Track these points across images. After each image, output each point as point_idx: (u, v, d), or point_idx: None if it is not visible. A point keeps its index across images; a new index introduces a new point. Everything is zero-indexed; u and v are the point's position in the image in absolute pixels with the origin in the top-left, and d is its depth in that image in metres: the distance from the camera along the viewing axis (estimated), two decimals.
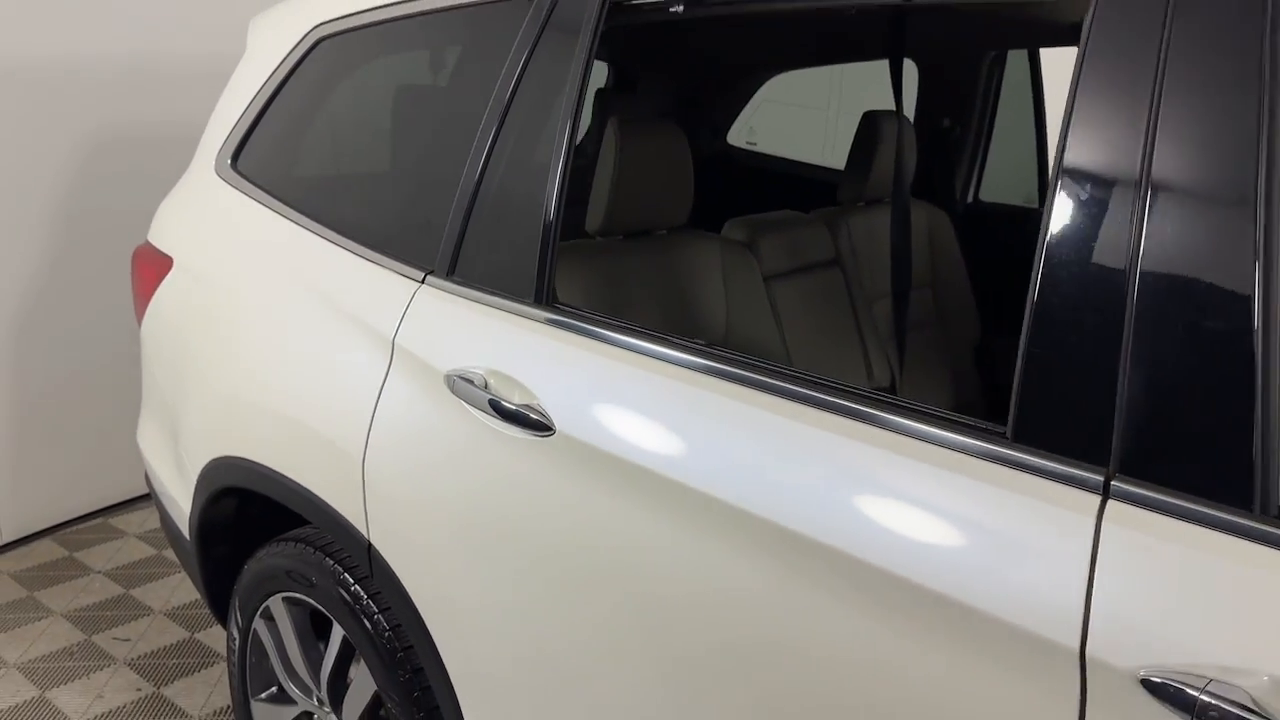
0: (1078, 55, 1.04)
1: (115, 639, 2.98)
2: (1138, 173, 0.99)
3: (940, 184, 2.79)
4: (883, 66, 2.96)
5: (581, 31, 1.51)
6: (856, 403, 1.16)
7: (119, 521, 3.70)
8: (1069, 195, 1.03)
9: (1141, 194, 0.98)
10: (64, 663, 2.85)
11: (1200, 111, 0.96)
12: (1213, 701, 0.87)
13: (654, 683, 1.32)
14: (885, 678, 1.08)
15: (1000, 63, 2.73)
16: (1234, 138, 0.93)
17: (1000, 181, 2.75)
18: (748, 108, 3.21)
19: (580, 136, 2.02)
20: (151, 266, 2.29)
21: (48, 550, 3.50)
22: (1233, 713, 0.86)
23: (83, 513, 3.69)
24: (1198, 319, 0.94)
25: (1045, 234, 1.03)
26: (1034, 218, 2.92)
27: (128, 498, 3.77)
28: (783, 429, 1.21)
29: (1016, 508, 1.01)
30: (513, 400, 1.47)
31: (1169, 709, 0.89)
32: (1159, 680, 0.90)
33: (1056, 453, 1.01)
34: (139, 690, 2.74)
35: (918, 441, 1.10)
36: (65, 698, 2.70)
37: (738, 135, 3.32)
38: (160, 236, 2.31)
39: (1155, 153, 0.98)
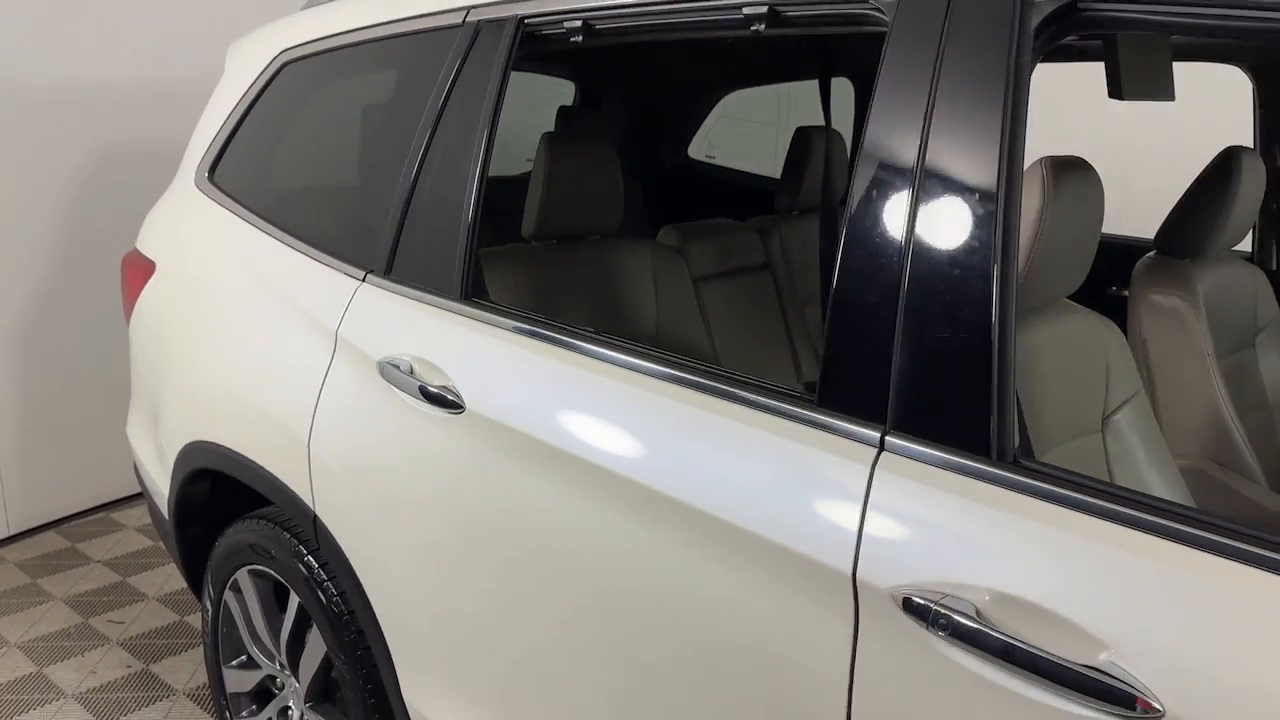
0: (873, 89, 1.25)
1: (110, 621, 3.20)
2: (911, 191, 1.18)
3: None
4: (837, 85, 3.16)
5: (496, 59, 1.73)
6: (708, 378, 1.36)
7: (120, 516, 3.93)
8: (859, 207, 1.22)
9: (912, 208, 1.18)
10: (61, 642, 3.07)
11: (957, 144, 1.15)
12: (945, 612, 1.06)
13: (552, 625, 1.52)
14: (709, 602, 1.28)
15: None
16: (980, 167, 1.13)
17: None
18: (706, 123, 3.42)
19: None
20: (138, 271, 2.51)
21: (51, 541, 3.72)
22: (961, 622, 1.05)
23: (85, 507, 3.92)
24: (952, 308, 1.13)
25: (841, 240, 1.23)
26: None
27: (128, 494, 4.00)
28: (645, 401, 1.41)
29: (814, 458, 1.21)
30: (433, 383, 1.67)
31: (915, 620, 1.08)
32: (909, 596, 1.09)
33: (849, 414, 1.21)
34: (129, 667, 2.95)
35: (747, 408, 1.30)
36: (60, 673, 2.92)
37: (698, 149, 3.53)
38: (146, 243, 2.54)
39: (924, 173, 1.18)
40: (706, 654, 1.30)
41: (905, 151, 1.20)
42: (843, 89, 3.13)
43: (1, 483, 3.67)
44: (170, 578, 3.47)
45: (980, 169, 1.14)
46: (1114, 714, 0.95)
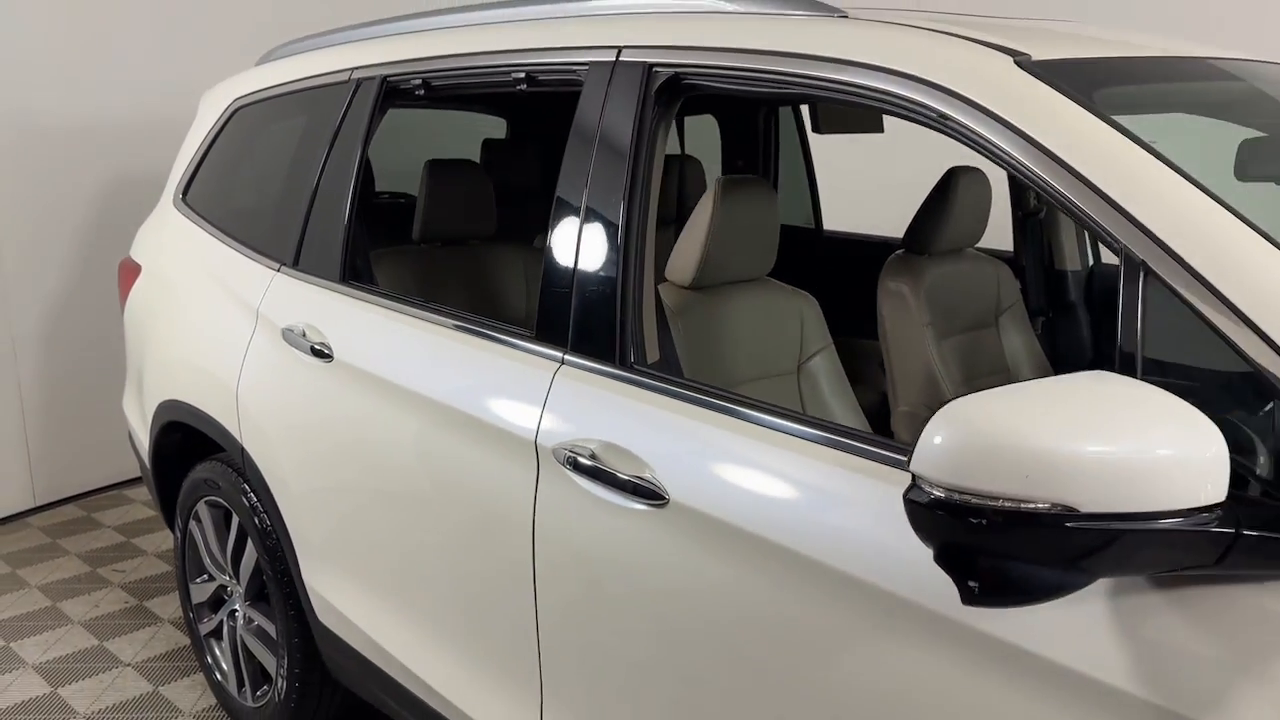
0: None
1: (114, 570, 3.88)
2: (582, 200, 1.82)
3: None
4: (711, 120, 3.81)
5: (368, 106, 2.39)
6: (485, 329, 2.00)
7: (131, 493, 4.63)
8: (555, 215, 1.87)
9: (582, 211, 1.82)
10: (73, 585, 3.76)
11: (606, 169, 1.80)
12: (575, 456, 1.68)
13: (399, 516, 2.14)
14: (464, 470, 1.92)
15: (773, 115, 3.57)
16: (615, 185, 1.77)
17: (785, 206, 3.56)
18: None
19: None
20: (129, 273, 3.21)
21: (70, 512, 4.43)
22: (584, 461, 1.67)
23: (101, 485, 4.62)
24: (598, 278, 1.77)
25: (550, 241, 1.87)
26: (810, 234, 3.73)
27: (139, 475, 4.70)
28: (446, 347, 2.05)
29: (525, 372, 1.85)
30: (316, 342, 2.33)
31: (563, 464, 1.71)
32: (565, 451, 1.72)
33: (547, 343, 1.84)
34: (126, 603, 3.63)
35: (503, 345, 1.94)
36: (70, 607, 3.60)
37: None
38: (136, 251, 3.24)
39: (591, 185, 1.82)
40: (461, 507, 1.94)
41: (581, 173, 1.84)
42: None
43: (30, 461, 4.39)
44: (167, 539, 4.14)
45: (615, 186, 1.77)
46: (646, 503, 1.57)
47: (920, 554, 1.16)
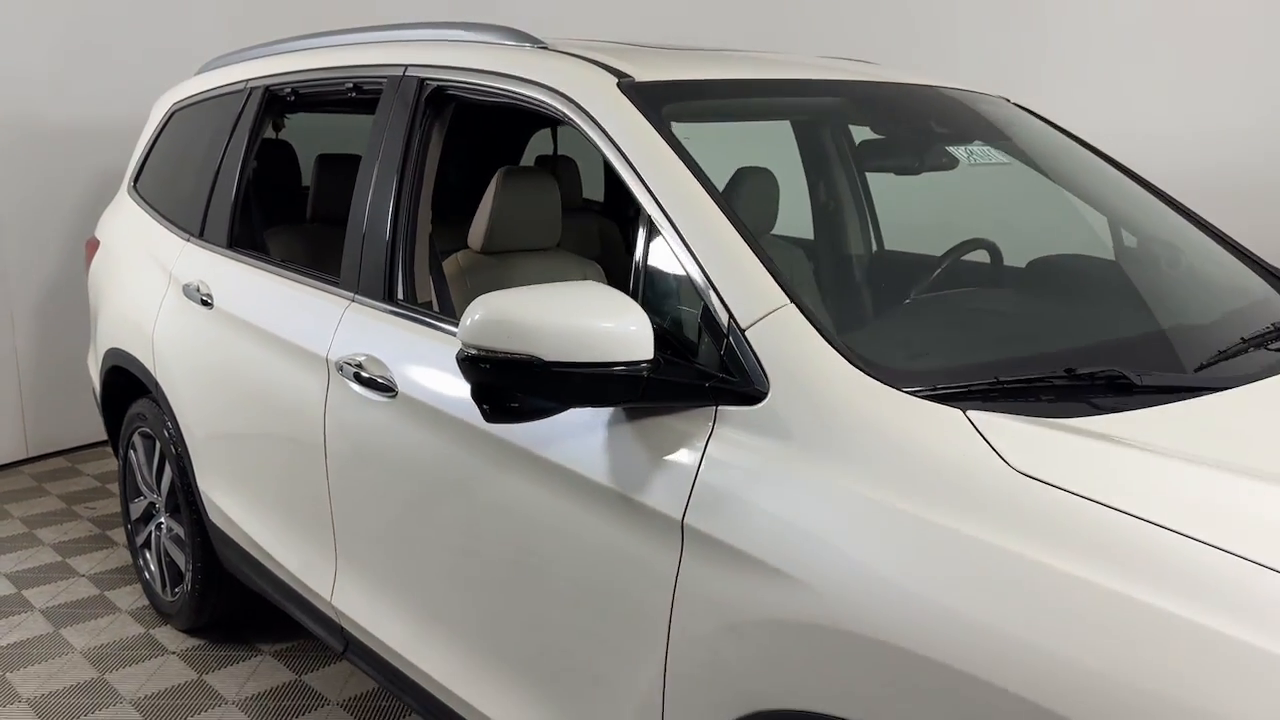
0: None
1: (86, 507, 4.58)
2: (372, 177, 2.46)
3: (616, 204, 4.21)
4: None
5: (254, 109, 3.05)
6: (319, 281, 2.63)
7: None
8: (360, 189, 2.50)
9: (376, 188, 2.45)
10: (49, 517, 4.46)
11: (391, 157, 2.43)
12: (350, 367, 2.31)
13: (262, 431, 2.78)
14: (284, 388, 2.56)
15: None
16: (391, 173, 2.40)
17: None
18: (526, 154, 4.69)
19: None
20: (92, 248, 3.90)
21: (58, 462, 5.14)
22: (354, 369, 2.30)
23: (86, 442, 5.32)
24: (384, 241, 2.40)
25: (365, 216, 2.50)
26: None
27: None
28: (293, 296, 2.69)
29: (325, 307, 2.48)
30: (205, 294, 2.99)
31: (347, 378, 2.34)
32: (344, 363, 2.35)
33: (345, 287, 2.48)
34: (91, 532, 4.32)
35: (323, 291, 2.57)
36: (44, 534, 4.29)
37: None
38: (98, 230, 3.93)
39: (378, 166, 2.45)
40: (284, 413, 2.58)
41: (374, 159, 2.48)
42: None
43: (24, 418, 5.11)
44: None
45: (394, 168, 2.40)
46: (385, 395, 2.20)
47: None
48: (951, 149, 2.42)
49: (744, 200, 3.23)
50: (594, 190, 4.35)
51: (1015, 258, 2.64)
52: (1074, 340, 1.91)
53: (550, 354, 1.60)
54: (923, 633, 1.31)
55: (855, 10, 5.27)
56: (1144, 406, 1.56)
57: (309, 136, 3.81)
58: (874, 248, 2.98)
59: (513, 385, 1.64)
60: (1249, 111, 4.51)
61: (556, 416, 1.74)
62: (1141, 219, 2.52)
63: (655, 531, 1.65)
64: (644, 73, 2.07)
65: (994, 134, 2.51)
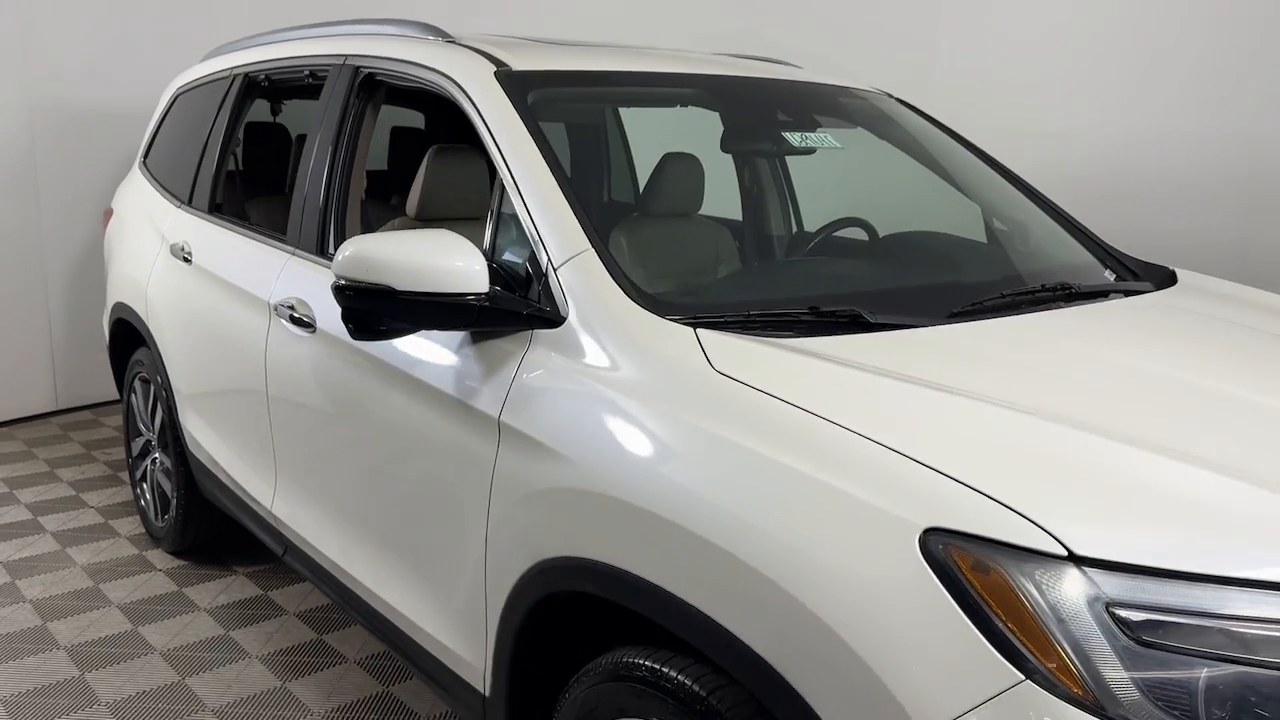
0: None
1: (104, 453, 5.12)
2: (313, 153, 2.91)
3: None
4: None
5: (236, 94, 3.53)
6: (276, 239, 3.09)
7: None
8: (302, 161, 2.96)
9: (304, 161, 2.91)
10: (69, 460, 5.00)
11: (329, 135, 2.88)
12: (285, 310, 2.77)
13: (224, 366, 3.25)
14: (244, 323, 3.02)
15: None
16: (337, 146, 2.86)
17: None
18: None
19: None
20: (109, 216, 4.42)
21: (84, 416, 5.70)
22: (288, 310, 2.75)
23: (112, 398, 5.86)
24: (316, 198, 2.85)
25: (299, 170, 2.96)
26: None
27: None
28: (244, 250, 3.15)
29: (273, 260, 2.94)
30: (187, 252, 3.47)
31: (283, 319, 2.80)
32: (282, 306, 2.80)
33: (290, 242, 2.93)
34: (104, 473, 4.85)
35: (271, 246, 3.03)
36: (63, 473, 4.84)
37: None
38: (114, 200, 4.45)
39: (319, 143, 2.90)
40: (236, 352, 3.04)
41: (316, 134, 2.93)
42: None
43: (55, 374, 5.66)
44: None
45: (330, 142, 2.85)
46: (307, 331, 2.65)
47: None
48: (788, 134, 2.82)
49: (667, 181, 3.65)
50: None
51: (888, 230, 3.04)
52: (858, 289, 2.31)
53: (402, 285, 2.03)
54: (646, 493, 1.71)
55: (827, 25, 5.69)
56: (869, 334, 1.96)
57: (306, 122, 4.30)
58: (758, 224, 3.40)
59: (372, 310, 2.08)
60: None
61: (424, 343, 2.18)
62: (994, 199, 2.90)
63: (482, 429, 2.08)
64: (520, 63, 2.50)
65: (873, 121, 2.94)
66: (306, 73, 3.16)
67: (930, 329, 2.02)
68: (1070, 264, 2.72)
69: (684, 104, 2.84)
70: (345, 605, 2.71)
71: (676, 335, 1.87)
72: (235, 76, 3.60)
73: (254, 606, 3.58)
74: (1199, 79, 5.09)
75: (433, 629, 2.31)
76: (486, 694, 2.17)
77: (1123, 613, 1.29)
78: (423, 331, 2.21)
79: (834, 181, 3.38)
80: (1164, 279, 2.66)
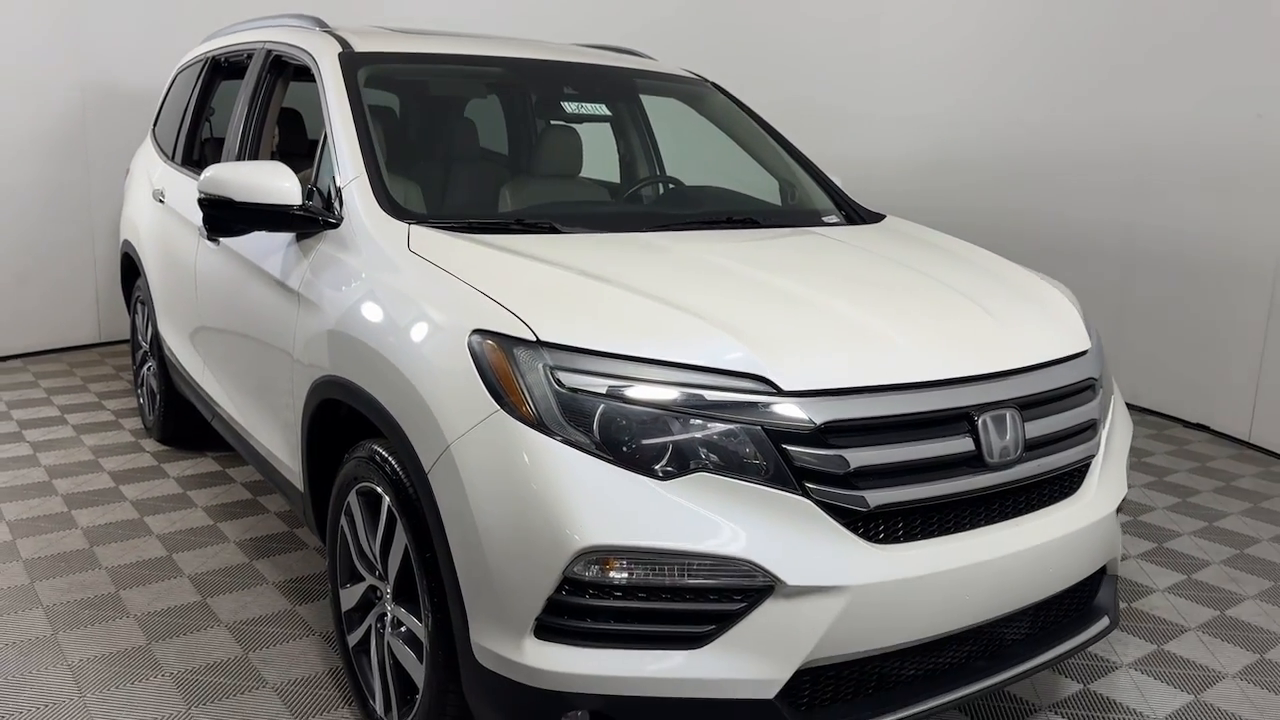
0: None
1: (128, 374, 6.24)
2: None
3: None
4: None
5: (206, 74, 4.56)
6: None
7: None
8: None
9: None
10: (107, 384, 6.13)
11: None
12: (204, 229, 3.77)
13: (173, 283, 4.28)
14: (184, 243, 4.04)
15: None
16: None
17: None
18: None
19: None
20: (128, 174, 5.52)
21: (121, 348, 6.86)
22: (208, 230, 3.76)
23: None
24: (231, 153, 3.85)
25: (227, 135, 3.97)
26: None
27: None
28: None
29: None
30: (162, 195, 4.51)
31: (203, 237, 3.80)
32: (204, 228, 3.80)
33: None
34: (127, 388, 5.96)
35: None
36: (93, 387, 5.96)
37: None
38: (132, 161, 5.55)
39: (237, 111, 3.90)
40: (180, 265, 4.05)
41: (237, 104, 3.92)
42: None
43: (99, 311, 6.83)
44: None
45: (244, 112, 3.84)
46: (217, 244, 3.64)
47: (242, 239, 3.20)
48: (568, 105, 3.73)
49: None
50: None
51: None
52: (575, 211, 3.22)
53: (239, 197, 2.99)
54: (360, 329, 2.65)
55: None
56: (549, 235, 2.85)
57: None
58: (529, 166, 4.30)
59: (220, 214, 3.04)
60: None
61: (267, 241, 3.15)
62: (773, 160, 3.79)
63: (291, 298, 3.04)
64: (362, 46, 3.45)
65: (692, 100, 3.87)
66: (245, 55, 4.16)
67: (594, 235, 2.92)
68: (808, 209, 3.59)
69: (491, 80, 3.76)
70: (243, 452, 3.70)
71: (394, 229, 2.79)
72: (207, 59, 4.64)
73: (213, 481, 4.61)
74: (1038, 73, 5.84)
75: (277, 450, 3.28)
76: (303, 490, 3.12)
77: (558, 374, 2.17)
78: (262, 233, 3.17)
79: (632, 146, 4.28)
80: (873, 219, 3.53)
